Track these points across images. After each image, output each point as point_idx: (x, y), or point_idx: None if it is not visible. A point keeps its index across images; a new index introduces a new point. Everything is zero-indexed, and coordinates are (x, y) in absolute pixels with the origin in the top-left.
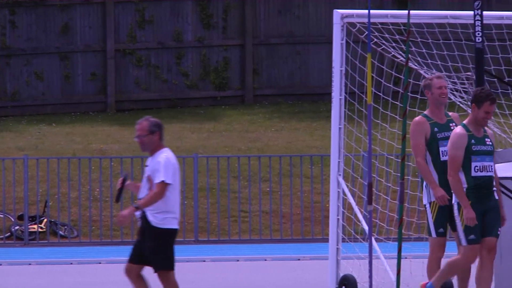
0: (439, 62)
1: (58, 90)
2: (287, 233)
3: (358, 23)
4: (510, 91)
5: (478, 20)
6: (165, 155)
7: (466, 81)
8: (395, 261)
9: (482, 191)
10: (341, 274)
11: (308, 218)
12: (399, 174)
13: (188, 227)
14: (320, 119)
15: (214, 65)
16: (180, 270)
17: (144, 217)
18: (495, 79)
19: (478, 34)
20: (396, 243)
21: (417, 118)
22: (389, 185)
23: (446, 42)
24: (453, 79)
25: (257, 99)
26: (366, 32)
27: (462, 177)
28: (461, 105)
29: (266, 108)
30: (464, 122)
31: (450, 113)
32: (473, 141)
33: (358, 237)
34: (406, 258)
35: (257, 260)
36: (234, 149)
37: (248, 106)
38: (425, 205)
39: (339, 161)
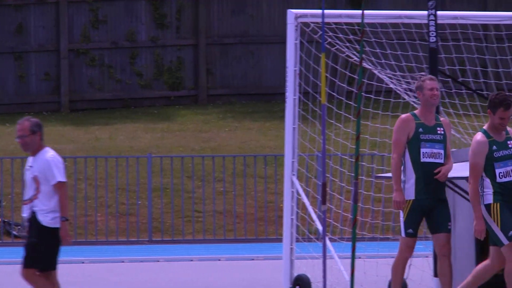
0: (393, 62)
1: (12, 90)
2: (241, 233)
3: (312, 23)
4: (464, 91)
5: (432, 20)
6: (51, 154)
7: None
8: (349, 261)
9: (509, 196)
10: (295, 274)
11: (262, 218)
12: (353, 174)
13: (142, 227)
14: (274, 119)
15: (167, 65)
16: (134, 270)
17: (33, 217)
18: (449, 79)
19: (432, 34)
20: (350, 243)
21: (404, 115)
22: (343, 185)
23: (400, 42)
24: (407, 79)
25: (211, 99)
26: (320, 32)
27: (488, 183)
28: (415, 105)
29: (219, 108)
30: (484, 127)
31: (441, 119)
32: (494, 147)
33: (312, 237)
34: (360, 258)
35: (211, 260)
36: (188, 149)
37: (202, 106)
38: None
39: (293, 161)
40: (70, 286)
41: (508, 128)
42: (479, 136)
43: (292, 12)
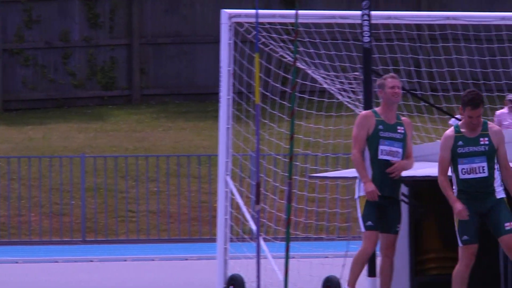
0: (326, 62)
1: None
2: (174, 233)
3: (246, 23)
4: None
5: (366, 20)
6: None
7: (353, 81)
8: (283, 260)
9: (473, 194)
10: (229, 274)
11: (195, 218)
12: (287, 174)
13: (75, 227)
14: (208, 119)
15: (101, 65)
16: (68, 270)
17: None
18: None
19: (366, 34)
20: (284, 242)
21: (364, 111)
22: (277, 184)
23: (334, 42)
24: (340, 79)
25: (144, 98)
26: (254, 32)
27: (454, 179)
28: (348, 105)
29: (153, 107)
30: (459, 123)
31: (403, 118)
32: (460, 142)
33: (246, 236)
34: (293, 257)
35: (145, 260)
36: (121, 149)
37: (135, 106)
38: (355, 199)
39: (227, 161)
40: (3, 286)
41: (491, 125)
42: (449, 130)
43: (226, 12)
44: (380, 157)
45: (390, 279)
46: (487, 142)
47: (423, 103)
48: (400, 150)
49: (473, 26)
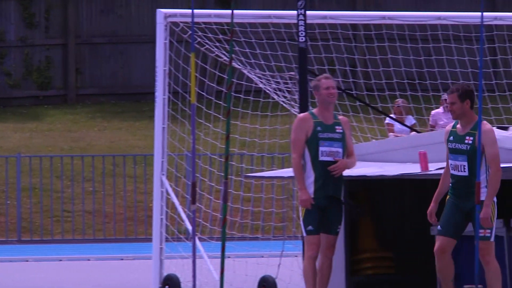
0: (262, 62)
1: None
2: (110, 233)
3: (182, 22)
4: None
5: (301, 19)
6: None
7: (289, 81)
8: (219, 260)
9: (456, 190)
10: (165, 274)
11: (131, 217)
12: (222, 174)
13: (10, 227)
14: (143, 118)
15: (36, 65)
16: (3, 270)
17: None
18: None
19: (302, 33)
20: (220, 242)
21: (301, 114)
22: (213, 184)
23: (270, 42)
24: (276, 79)
25: (80, 98)
26: (190, 32)
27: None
28: (284, 105)
29: (88, 107)
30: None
31: (340, 117)
32: (451, 137)
33: (181, 236)
34: (229, 257)
35: (80, 260)
36: (57, 149)
37: (71, 106)
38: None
39: (162, 161)
40: None
41: (484, 125)
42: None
43: (161, 12)
44: (321, 158)
45: (327, 279)
46: (470, 142)
47: (359, 103)
48: (340, 149)
49: (408, 26)
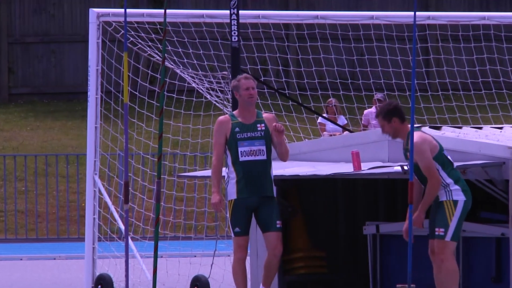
0: (195, 61)
1: None
2: (42, 233)
3: (114, 22)
4: (266, 90)
5: (234, 19)
6: None
7: (222, 80)
8: (151, 260)
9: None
10: (97, 273)
11: (63, 217)
12: (155, 173)
13: None
14: (76, 118)
15: None
16: None
17: None
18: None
19: (234, 33)
20: (152, 242)
21: (220, 117)
22: (145, 184)
23: (202, 41)
24: (209, 78)
25: (12, 98)
26: (122, 31)
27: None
28: (217, 104)
29: (21, 107)
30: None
31: (265, 114)
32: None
33: (114, 236)
34: (162, 257)
35: (13, 260)
36: None
37: (3, 105)
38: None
39: (95, 160)
40: None
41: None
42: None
43: (94, 11)
44: (241, 159)
45: (273, 275)
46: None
47: (292, 103)
48: (262, 147)
49: (341, 26)
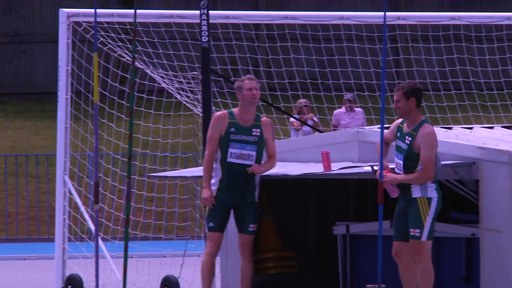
0: (165, 62)
1: None
2: (12, 233)
3: (84, 22)
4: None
5: (204, 19)
6: None
7: (192, 81)
8: (122, 260)
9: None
10: (67, 274)
11: (33, 217)
12: (125, 174)
13: None
14: (46, 118)
15: None
16: None
17: None
18: (221, 79)
19: (204, 33)
20: (123, 242)
21: (219, 112)
22: (115, 184)
23: (172, 42)
24: (179, 79)
25: None
26: (92, 31)
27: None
28: (187, 104)
29: None
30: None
31: (263, 119)
32: (398, 134)
33: (84, 236)
34: (132, 257)
35: None
36: None
37: None
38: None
39: (65, 161)
40: None
41: (425, 126)
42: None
43: (64, 12)
44: (229, 159)
45: (247, 280)
46: (408, 142)
47: (261, 103)
48: (253, 153)
49: (311, 26)
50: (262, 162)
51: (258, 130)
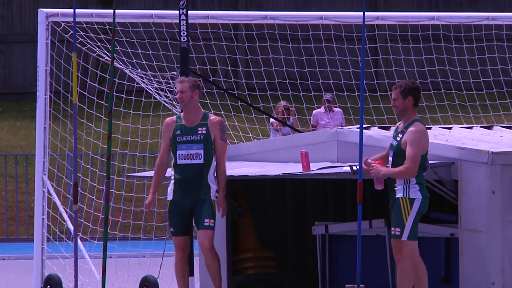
0: (144, 62)
1: None
2: None
3: (63, 22)
4: (215, 90)
5: (183, 19)
6: None
7: (171, 81)
8: (101, 260)
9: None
10: (46, 274)
11: (12, 217)
12: (104, 174)
13: None
14: (25, 118)
15: None
16: None
17: None
18: (200, 79)
19: (183, 33)
20: (101, 242)
21: (167, 119)
22: (94, 184)
23: (151, 42)
24: (158, 79)
25: None
26: (71, 31)
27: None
28: (166, 104)
29: None
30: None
31: (211, 118)
32: (394, 133)
33: (63, 236)
34: (111, 257)
35: None
36: None
37: None
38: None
39: (44, 161)
40: None
41: (415, 125)
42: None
43: (43, 12)
44: (179, 162)
45: (214, 274)
46: (399, 139)
47: (240, 103)
48: (200, 151)
49: (290, 26)
50: (211, 169)
51: (204, 128)
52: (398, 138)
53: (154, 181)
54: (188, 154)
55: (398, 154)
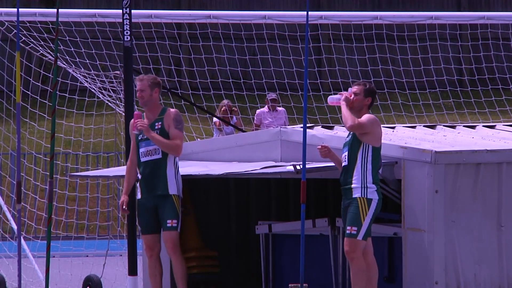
0: (87, 61)
1: None
2: None
3: (7, 21)
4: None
5: (126, 18)
6: None
7: (114, 80)
8: (44, 259)
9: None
10: None
11: None
12: (47, 173)
13: None
14: None
15: None
16: None
17: None
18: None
19: (127, 32)
20: (45, 241)
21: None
22: (38, 183)
23: (95, 41)
24: (101, 78)
25: None
26: (15, 31)
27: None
28: (109, 104)
29: None
30: None
31: (171, 110)
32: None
33: (6, 236)
34: (54, 256)
35: None
36: None
37: None
38: None
39: None
40: None
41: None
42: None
43: None
44: (142, 159)
45: (179, 276)
46: (350, 133)
47: (184, 102)
48: (157, 146)
49: (233, 25)
50: (171, 164)
51: (160, 123)
52: (350, 134)
53: (125, 181)
54: (147, 151)
55: (354, 144)
